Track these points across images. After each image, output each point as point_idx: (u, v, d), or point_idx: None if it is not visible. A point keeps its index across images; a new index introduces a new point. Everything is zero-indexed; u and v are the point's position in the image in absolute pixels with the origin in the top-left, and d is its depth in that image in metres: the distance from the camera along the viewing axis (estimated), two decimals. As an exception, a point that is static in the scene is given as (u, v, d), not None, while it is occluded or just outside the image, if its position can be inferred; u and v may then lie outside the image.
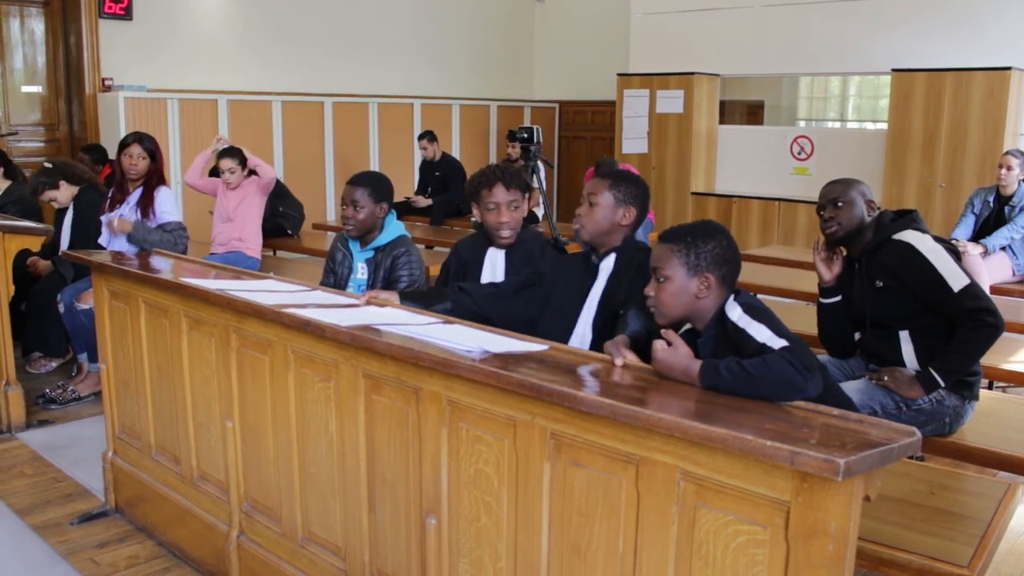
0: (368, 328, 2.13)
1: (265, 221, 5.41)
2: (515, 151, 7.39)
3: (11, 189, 5.22)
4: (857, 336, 2.94)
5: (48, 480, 3.54)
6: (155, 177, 4.41)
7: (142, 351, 3.00)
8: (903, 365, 2.75)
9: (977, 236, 5.27)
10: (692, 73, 8.41)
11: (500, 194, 2.95)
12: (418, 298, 2.65)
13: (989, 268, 5.02)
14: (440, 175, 7.86)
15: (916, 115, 7.20)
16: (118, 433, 3.25)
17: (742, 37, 8.33)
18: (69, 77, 7.28)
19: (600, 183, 2.56)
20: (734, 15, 8.34)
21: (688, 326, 2.14)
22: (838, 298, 2.91)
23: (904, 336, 2.76)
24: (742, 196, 8.37)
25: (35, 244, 4.24)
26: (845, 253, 2.93)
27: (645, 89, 8.69)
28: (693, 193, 8.55)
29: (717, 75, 8.69)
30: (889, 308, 2.76)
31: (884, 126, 7.74)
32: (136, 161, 4.32)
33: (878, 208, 2.86)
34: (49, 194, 4.61)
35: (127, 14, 7.13)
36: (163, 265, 3.15)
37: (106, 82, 7.13)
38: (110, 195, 4.45)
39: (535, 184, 6.09)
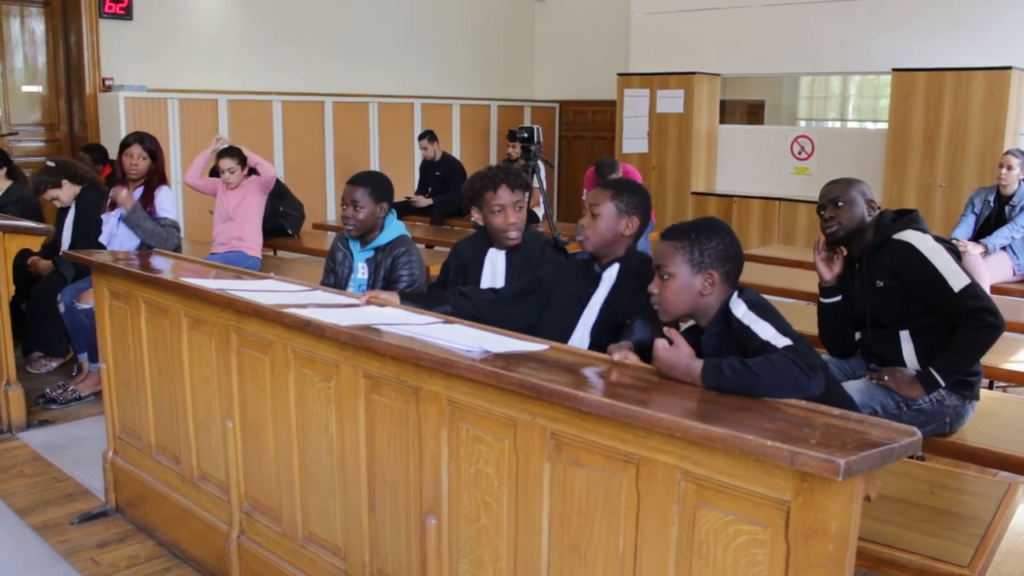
0: (368, 328, 2.13)
1: (265, 221, 5.41)
2: (515, 151, 7.39)
3: (12, 189, 5.22)
4: (857, 336, 2.94)
5: (48, 480, 3.54)
6: (156, 177, 4.42)
7: (142, 351, 3.00)
8: (903, 365, 2.75)
9: (977, 236, 5.27)
10: (692, 73, 8.41)
11: (505, 196, 2.93)
12: (418, 300, 2.65)
13: (989, 268, 5.02)
14: (440, 175, 7.86)
15: (916, 115, 7.20)
16: (118, 433, 3.25)
17: (742, 37, 8.33)
18: (69, 77, 7.28)
19: (602, 193, 2.56)
20: (734, 15, 8.34)
21: (691, 323, 2.15)
22: (838, 298, 2.91)
23: (904, 336, 2.76)
24: (742, 196, 8.37)
25: (35, 244, 4.24)
26: (845, 253, 2.92)
27: (645, 89, 8.68)
28: (693, 193, 8.55)
29: (717, 75, 8.69)
30: (889, 308, 2.76)
31: (884, 126, 7.74)
32: (136, 161, 4.33)
33: (878, 208, 2.86)
34: (51, 193, 4.61)
35: (127, 14, 7.13)
36: (163, 265, 3.15)
37: (106, 82, 7.13)
38: (111, 194, 4.47)
39: (535, 184, 6.09)
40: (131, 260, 3.22)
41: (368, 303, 2.51)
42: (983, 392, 2.86)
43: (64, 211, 4.74)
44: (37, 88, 7.26)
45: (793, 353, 1.75)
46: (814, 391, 1.71)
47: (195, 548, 2.87)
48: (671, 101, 8.55)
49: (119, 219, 4.36)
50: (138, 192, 4.38)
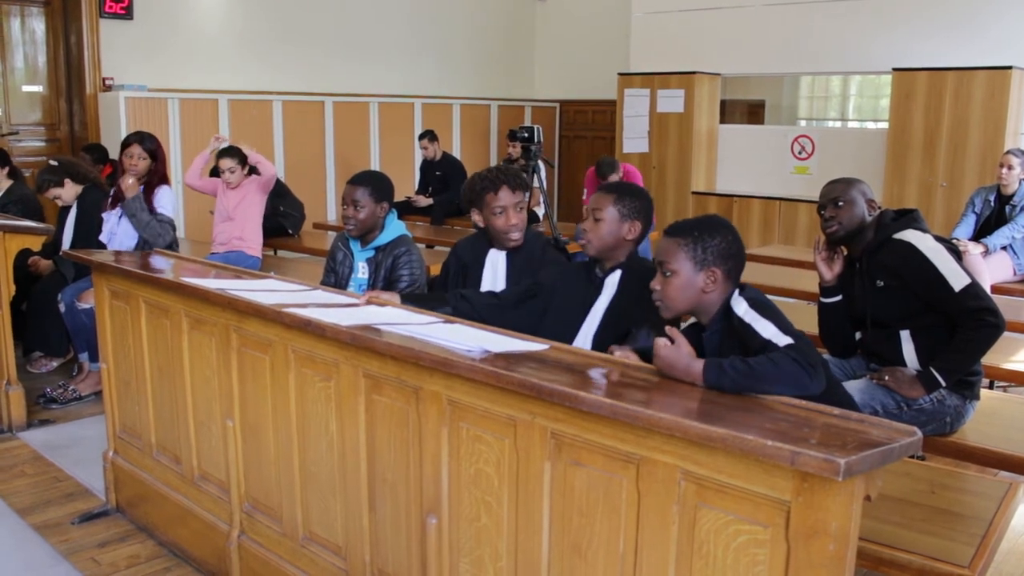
0: (368, 328, 2.13)
1: (266, 220, 5.41)
2: (516, 151, 7.39)
3: (12, 188, 5.22)
4: (858, 336, 2.93)
5: (49, 480, 3.54)
6: (156, 176, 4.42)
7: (143, 351, 3.00)
8: (904, 365, 2.75)
9: (978, 235, 5.26)
10: (693, 72, 8.41)
11: (506, 197, 2.92)
12: (419, 301, 2.65)
13: (990, 267, 5.02)
14: (441, 175, 7.86)
15: (917, 114, 7.19)
16: (119, 433, 3.25)
17: (743, 36, 8.32)
18: (70, 77, 7.28)
19: (604, 198, 2.56)
20: (735, 14, 8.33)
21: (692, 320, 2.15)
22: (839, 297, 2.91)
23: (905, 336, 2.76)
24: (743, 196, 8.37)
25: (36, 244, 4.24)
26: (846, 252, 2.92)
27: (646, 88, 8.68)
28: (694, 192, 8.55)
29: (718, 74, 8.69)
30: (890, 308, 2.76)
31: (885, 125, 7.74)
32: (136, 161, 4.34)
33: (879, 207, 2.86)
34: (54, 191, 4.62)
35: (128, 14, 7.13)
36: (164, 265, 3.15)
37: (107, 82, 7.13)
38: (112, 194, 4.47)
39: (535, 184, 6.09)
40: (132, 260, 3.22)
41: (368, 303, 2.51)
42: (984, 392, 2.86)
43: (65, 210, 4.74)
44: (37, 88, 7.26)
45: (795, 351, 1.75)
46: (816, 389, 1.71)
47: (195, 548, 2.87)
48: (671, 101, 8.55)
49: (119, 217, 4.37)
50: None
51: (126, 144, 4.40)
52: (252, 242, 5.18)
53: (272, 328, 2.39)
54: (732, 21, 8.36)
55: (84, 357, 4.50)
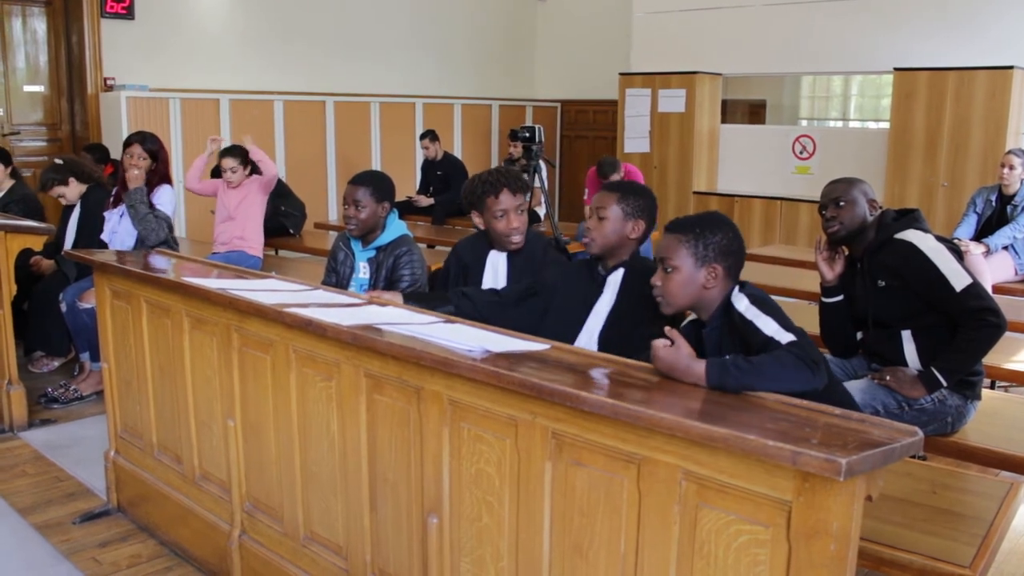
0: (369, 328, 2.13)
1: (267, 220, 5.41)
2: (517, 150, 7.39)
3: (14, 188, 5.23)
4: (859, 335, 2.93)
5: (50, 479, 3.54)
6: (156, 176, 4.43)
7: (144, 350, 3.00)
8: (905, 364, 2.75)
9: (979, 235, 5.26)
10: (694, 72, 8.41)
11: (507, 200, 2.92)
12: (421, 300, 2.65)
13: (991, 267, 5.01)
14: (442, 174, 7.86)
15: (918, 114, 7.19)
16: (120, 432, 3.25)
17: (744, 36, 8.32)
18: (71, 76, 7.28)
19: (608, 196, 2.56)
20: (736, 14, 8.33)
21: (692, 317, 2.15)
22: (840, 297, 2.90)
23: (906, 336, 2.75)
24: (744, 195, 8.37)
25: (37, 243, 4.24)
26: (847, 252, 2.92)
27: (647, 88, 8.68)
28: (695, 192, 8.55)
29: (719, 74, 8.69)
30: (891, 307, 2.76)
31: (886, 125, 7.74)
32: (136, 161, 4.34)
33: (880, 207, 2.86)
34: (57, 190, 4.63)
35: (129, 13, 7.14)
36: (165, 265, 3.15)
37: (108, 81, 7.14)
38: (113, 193, 4.48)
39: (537, 184, 6.09)
40: (133, 260, 3.22)
41: (371, 303, 2.51)
42: (985, 392, 2.85)
43: (68, 210, 4.75)
44: (39, 88, 7.26)
45: (797, 348, 1.76)
46: (819, 385, 1.72)
47: (197, 548, 2.87)
48: (673, 100, 8.55)
49: (120, 216, 4.37)
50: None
51: (127, 144, 4.41)
52: (253, 242, 5.18)
53: (273, 328, 2.39)
54: (733, 21, 8.36)
55: (85, 357, 4.51)
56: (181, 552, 2.94)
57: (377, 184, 3.21)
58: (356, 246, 3.30)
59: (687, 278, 2.04)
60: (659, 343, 1.77)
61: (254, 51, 7.93)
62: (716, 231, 2.05)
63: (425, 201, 7.71)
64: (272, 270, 4.46)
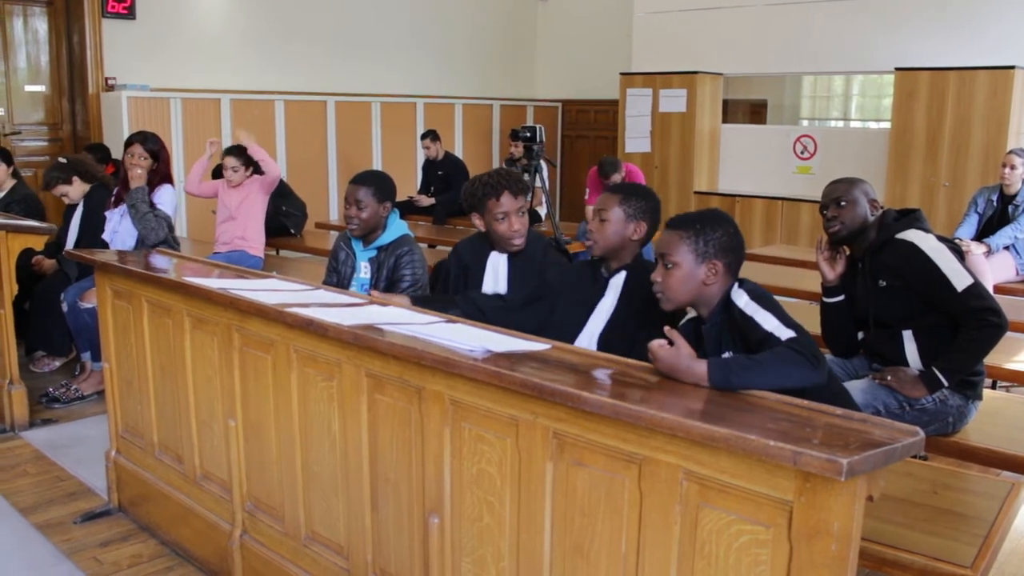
0: (371, 327, 2.13)
1: (268, 220, 5.41)
2: (518, 150, 7.38)
3: (16, 188, 5.23)
4: (860, 335, 2.93)
5: (51, 479, 3.55)
6: (158, 176, 4.43)
7: (145, 350, 3.01)
8: (906, 364, 2.75)
9: (980, 235, 5.26)
10: (695, 72, 8.41)
11: (508, 203, 2.91)
12: (429, 303, 2.65)
13: (993, 267, 5.01)
14: (443, 174, 7.86)
15: (919, 114, 7.19)
16: (121, 432, 3.25)
17: (745, 36, 8.32)
18: (72, 76, 7.29)
19: (610, 198, 2.56)
20: (737, 14, 8.33)
21: (691, 314, 2.16)
22: (841, 297, 2.90)
23: (907, 336, 2.75)
24: (745, 195, 8.36)
25: (38, 243, 4.25)
26: (848, 252, 2.92)
27: (648, 88, 8.68)
28: (696, 192, 8.55)
29: (720, 74, 8.68)
30: (892, 307, 2.76)
31: (887, 125, 7.73)
32: (137, 161, 4.35)
33: (881, 207, 2.85)
34: (61, 189, 4.63)
35: (130, 13, 7.14)
36: (166, 264, 3.16)
37: (109, 81, 7.14)
38: (114, 193, 4.48)
39: (538, 184, 6.10)
40: (134, 260, 3.22)
41: (372, 303, 2.51)
42: (986, 392, 2.85)
43: (71, 209, 4.75)
44: (40, 88, 7.27)
45: (797, 343, 1.77)
46: (820, 380, 1.73)
47: (198, 547, 2.87)
48: (674, 100, 8.54)
49: (121, 215, 4.38)
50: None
51: (128, 144, 4.42)
52: (254, 242, 5.18)
53: (274, 328, 2.39)
54: (734, 21, 8.36)
55: (86, 356, 4.51)
56: (182, 552, 2.94)
57: (379, 184, 3.21)
58: (357, 246, 3.30)
59: (687, 274, 2.05)
60: (656, 344, 1.76)
61: (255, 51, 7.93)
62: (716, 227, 2.07)
63: (426, 201, 7.72)
64: (273, 270, 4.47)
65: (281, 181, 5.88)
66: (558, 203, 10.09)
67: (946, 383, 2.61)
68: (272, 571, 2.54)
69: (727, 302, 2.04)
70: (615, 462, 1.63)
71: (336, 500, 2.31)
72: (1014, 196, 5.19)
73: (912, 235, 2.71)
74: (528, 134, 6.19)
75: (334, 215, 8.21)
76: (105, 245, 4.36)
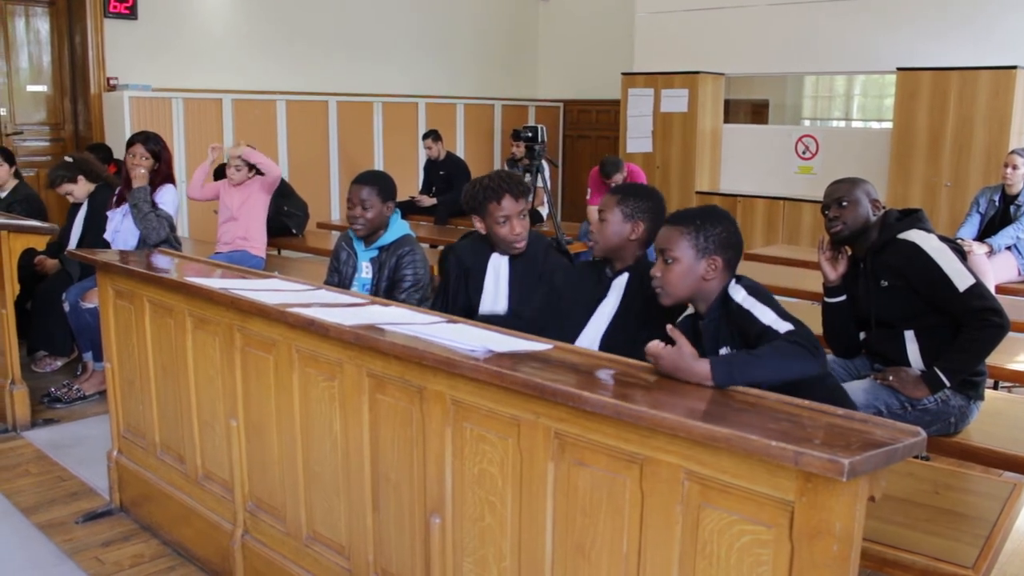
0: (372, 327, 2.13)
1: (269, 220, 5.41)
2: (519, 150, 7.39)
3: (17, 188, 5.24)
4: (862, 336, 2.93)
5: (53, 479, 3.55)
6: (159, 176, 4.43)
7: (147, 350, 3.01)
8: (908, 365, 2.75)
9: (982, 235, 5.25)
10: (696, 72, 8.40)
11: (509, 206, 2.88)
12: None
13: (995, 267, 5.01)
14: (445, 174, 7.87)
15: (921, 114, 7.18)
16: (123, 432, 3.25)
17: (747, 36, 8.32)
18: (74, 76, 7.29)
19: (610, 199, 2.57)
20: (739, 14, 8.33)
21: (689, 311, 2.18)
22: (843, 297, 2.90)
23: (909, 336, 2.75)
24: (747, 195, 8.36)
25: (40, 243, 4.25)
26: (850, 252, 2.92)
27: (649, 88, 8.67)
28: (698, 192, 8.54)
29: (722, 74, 8.68)
30: (894, 308, 2.76)
31: (889, 125, 7.73)
32: (139, 161, 4.35)
33: (883, 207, 2.85)
34: (66, 187, 4.64)
35: (132, 13, 7.14)
36: (168, 264, 3.16)
37: (111, 81, 7.15)
38: (116, 193, 4.49)
39: (539, 183, 6.10)
40: (136, 260, 3.22)
41: (373, 303, 2.51)
42: (988, 392, 2.85)
43: (73, 209, 4.75)
44: (42, 88, 7.27)
45: (795, 335, 1.79)
46: (820, 370, 1.75)
47: (199, 547, 2.87)
48: (675, 100, 8.54)
49: (123, 215, 4.38)
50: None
51: (130, 144, 4.42)
52: (256, 242, 5.18)
53: (276, 328, 2.39)
54: (736, 21, 8.35)
55: (88, 356, 4.51)
56: (184, 552, 2.95)
57: (382, 184, 3.21)
58: (359, 246, 3.30)
59: (687, 269, 2.07)
60: (654, 345, 1.76)
61: (257, 51, 7.94)
62: (716, 223, 2.09)
63: (428, 201, 7.72)
64: (275, 270, 4.47)
65: (283, 181, 5.88)
66: (560, 203, 10.09)
67: (948, 383, 2.61)
68: (274, 571, 2.55)
69: (725, 297, 2.06)
70: (616, 462, 1.63)
71: (337, 500, 2.31)
72: (1016, 196, 5.18)
73: (914, 235, 2.71)
74: (530, 134, 6.19)
75: (336, 215, 8.21)
76: (108, 245, 4.36)
